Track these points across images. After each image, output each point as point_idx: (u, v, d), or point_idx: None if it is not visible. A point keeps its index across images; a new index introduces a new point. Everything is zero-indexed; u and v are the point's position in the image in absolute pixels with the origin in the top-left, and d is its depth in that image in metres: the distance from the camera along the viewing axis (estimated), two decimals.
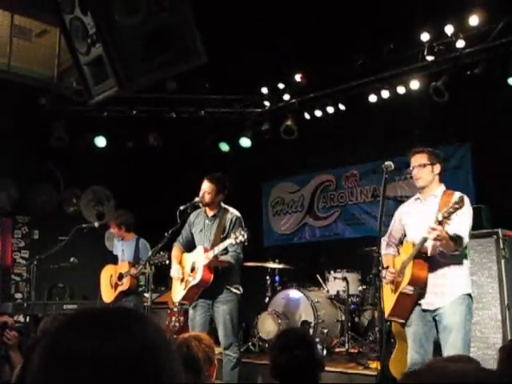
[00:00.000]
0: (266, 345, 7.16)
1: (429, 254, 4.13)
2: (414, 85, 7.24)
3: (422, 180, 4.32)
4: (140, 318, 0.95)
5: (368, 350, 6.72)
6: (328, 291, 7.40)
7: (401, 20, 6.66)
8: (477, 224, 6.14)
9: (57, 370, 0.84)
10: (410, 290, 4.13)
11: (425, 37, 6.72)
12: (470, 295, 4.15)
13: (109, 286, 6.87)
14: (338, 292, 7.26)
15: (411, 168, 4.40)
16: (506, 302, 5.69)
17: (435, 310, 4.11)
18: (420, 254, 4.11)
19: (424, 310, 4.16)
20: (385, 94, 7.55)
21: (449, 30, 6.54)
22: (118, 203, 9.75)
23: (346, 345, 6.81)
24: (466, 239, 4.03)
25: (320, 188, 9.58)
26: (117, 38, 2.74)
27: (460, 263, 4.16)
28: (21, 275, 9.16)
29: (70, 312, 6.99)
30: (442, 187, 4.36)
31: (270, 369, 2.79)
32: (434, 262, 4.14)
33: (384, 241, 4.60)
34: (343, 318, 7.11)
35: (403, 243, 4.49)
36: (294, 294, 7.37)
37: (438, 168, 4.35)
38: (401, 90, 7.41)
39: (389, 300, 4.32)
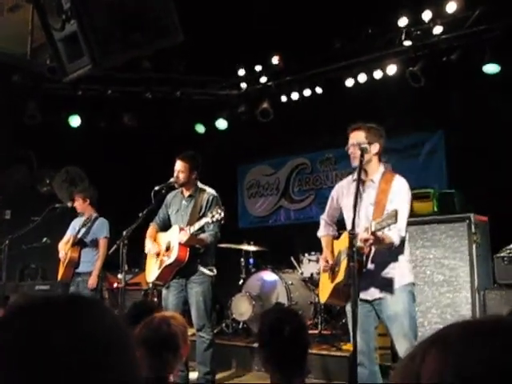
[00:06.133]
0: (240, 326, 7.21)
1: (364, 252, 3.85)
2: (391, 69, 7.27)
3: (357, 159, 3.92)
4: (91, 306, 0.92)
5: (341, 331, 6.79)
6: (302, 273, 7.45)
7: (379, 4, 6.66)
8: (449, 209, 6.25)
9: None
10: (343, 286, 3.93)
11: (402, 22, 6.74)
12: (411, 283, 3.98)
13: (62, 264, 6.84)
14: (311, 274, 7.31)
15: (348, 146, 4.05)
16: (476, 285, 5.80)
17: (374, 300, 3.96)
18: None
19: (362, 300, 3.88)
20: (362, 78, 7.57)
21: (426, 15, 6.56)
22: (91, 183, 9.65)
23: (319, 326, 6.87)
24: (403, 234, 3.83)
25: (295, 171, 9.61)
26: (92, 14, 2.69)
27: (399, 253, 3.96)
28: None
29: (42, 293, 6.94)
30: (381, 169, 4.09)
31: (280, 354, 2.61)
32: (372, 255, 3.92)
33: (323, 220, 4.47)
34: (316, 299, 7.16)
35: (341, 233, 4.27)
36: (268, 276, 7.41)
37: (376, 147, 4.02)
38: (378, 74, 7.43)
39: (326, 286, 4.22)
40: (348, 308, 3.98)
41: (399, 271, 3.96)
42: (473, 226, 5.93)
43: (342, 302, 4.25)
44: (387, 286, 3.93)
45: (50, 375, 0.80)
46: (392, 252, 3.92)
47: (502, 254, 5.96)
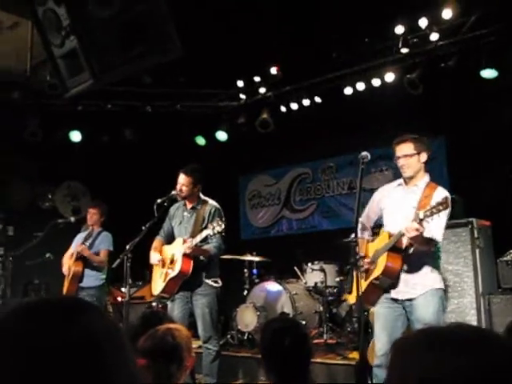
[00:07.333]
0: (245, 337, 7.19)
1: (403, 247, 4.02)
2: (389, 77, 7.29)
3: (410, 170, 4.16)
4: (89, 309, 0.92)
5: (346, 340, 6.78)
6: (306, 283, 7.44)
7: (375, 13, 6.69)
8: (451, 214, 6.25)
9: None
10: (379, 281, 4.06)
11: (399, 30, 6.76)
12: (442, 289, 4.09)
13: (67, 278, 6.80)
14: (315, 283, 7.30)
15: (396, 158, 4.19)
16: (480, 290, 5.79)
17: (405, 301, 4.05)
18: (395, 247, 4.01)
19: (393, 299, 4.09)
20: (360, 86, 7.59)
21: (423, 22, 6.59)
22: (93, 198, 9.66)
23: (325, 335, 6.86)
24: (440, 240, 3.99)
25: (296, 181, 9.62)
26: (91, 30, 2.72)
27: (433, 258, 4.10)
28: None
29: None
30: (427, 178, 4.22)
31: (282, 364, 2.63)
32: (409, 255, 4.05)
33: (360, 223, 4.51)
34: (321, 309, 7.16)
35: (380, 231, 4.38)
36: (272, 286, 7.40)
37: (424, 156, 4.18)
38: (376, 82, 7.46)
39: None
40: (376, 309, 4.06)
41: (433, 275, 4.07)
42: (475, 231, 5.94)
43: (371, 303, 4.33)
44: (420, 287, 4.02)
45: (46, 375, 0.80)
46: (428, 255, 4.04)
47: (505, 258, 5.95)
